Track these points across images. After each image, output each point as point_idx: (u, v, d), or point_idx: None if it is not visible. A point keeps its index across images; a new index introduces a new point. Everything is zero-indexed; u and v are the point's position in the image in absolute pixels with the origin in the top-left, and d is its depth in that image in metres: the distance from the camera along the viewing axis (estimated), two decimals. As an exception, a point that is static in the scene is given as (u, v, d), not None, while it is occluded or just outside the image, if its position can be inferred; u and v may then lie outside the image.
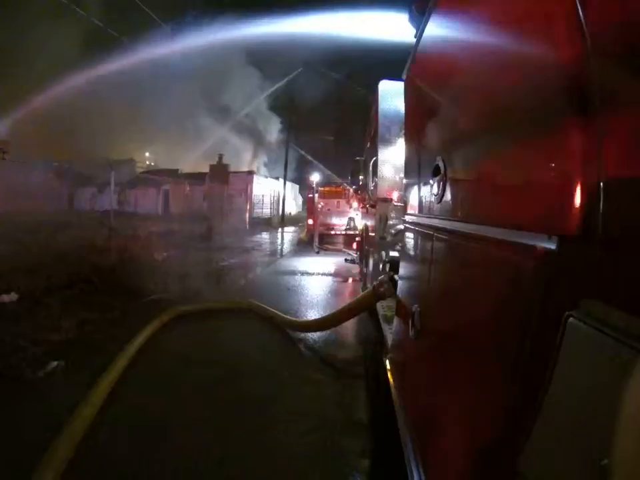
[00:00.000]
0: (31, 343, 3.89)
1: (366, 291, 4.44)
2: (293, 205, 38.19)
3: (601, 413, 0.55)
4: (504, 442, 0.86)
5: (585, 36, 0.67)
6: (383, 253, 4.75)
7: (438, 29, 1.91)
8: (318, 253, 13.29)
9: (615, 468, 0.51)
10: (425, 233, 1.98)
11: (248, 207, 22.30)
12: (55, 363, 3.48)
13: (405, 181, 3.23)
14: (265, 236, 18.70)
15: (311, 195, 18.18)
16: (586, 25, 0.67)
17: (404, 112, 3.20)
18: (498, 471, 0.90)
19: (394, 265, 4.04)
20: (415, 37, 2.35)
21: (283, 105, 33.89)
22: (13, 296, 5.25)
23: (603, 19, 0.67)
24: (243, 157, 37.83)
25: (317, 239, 14.56)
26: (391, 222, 4.81)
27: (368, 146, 6.80)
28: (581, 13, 0.68)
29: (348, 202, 16.59)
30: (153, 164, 36.58)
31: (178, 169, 30.96)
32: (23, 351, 3.70)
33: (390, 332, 3.21)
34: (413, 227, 2.39)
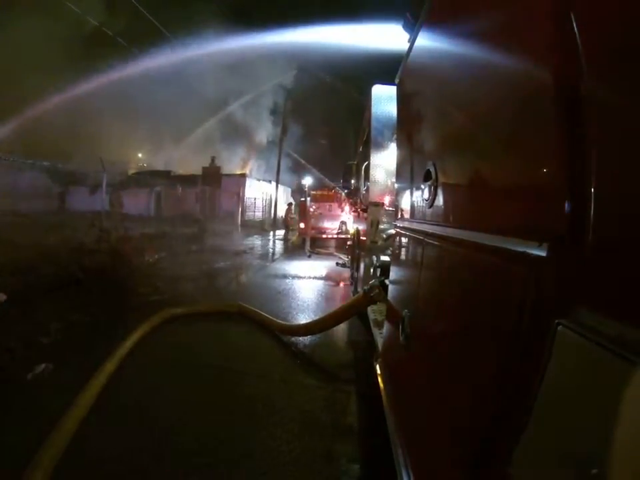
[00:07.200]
0: (20, 344, 3.82)
1: (356, 295, 4.43)
2: (285, 209, 38.09)
3: (591, 423, 0.55)
4: (494, 448, 0.86)
5: (575, 43, 0.67)
6: (374, 258, 4.75)
7: (430, 36, 1.92)
8: (309, 256, 13.25)
9: (605, 478, 0.50)
10: (415, 238, 1.98)
11: (240, 210, 22.15)
12: (43, 365, 3.43)
13: (396, 185, 3.24)
14: (257, 239, 18.63)
15: (303, 199, 18.16)
16: (577, 32, 0.68)
17: (396, 116, 3.22)
18: (488, 477, 0.89)
19: (385, 269, 4.04)
20: (408, 42, 2.37)
21: (276, 108, 33.94)
22: (2, 296, 5.17)
23: (591, 25, 0.68)
24: (235, 159, 37.73)
25: (308, 243, 14.52)
26: (382, 226, 4.82)
27: (360, 150, 6.81)
28: (573, 19, 0.68)
29: (340, 206, 16.62)
30: (145, 165, 36.32)
31: (170, 171, 30.86)
32: (11, 353, 3.64)
33: (380, 336, 3.21)
34: (403, 232, 2.39)
